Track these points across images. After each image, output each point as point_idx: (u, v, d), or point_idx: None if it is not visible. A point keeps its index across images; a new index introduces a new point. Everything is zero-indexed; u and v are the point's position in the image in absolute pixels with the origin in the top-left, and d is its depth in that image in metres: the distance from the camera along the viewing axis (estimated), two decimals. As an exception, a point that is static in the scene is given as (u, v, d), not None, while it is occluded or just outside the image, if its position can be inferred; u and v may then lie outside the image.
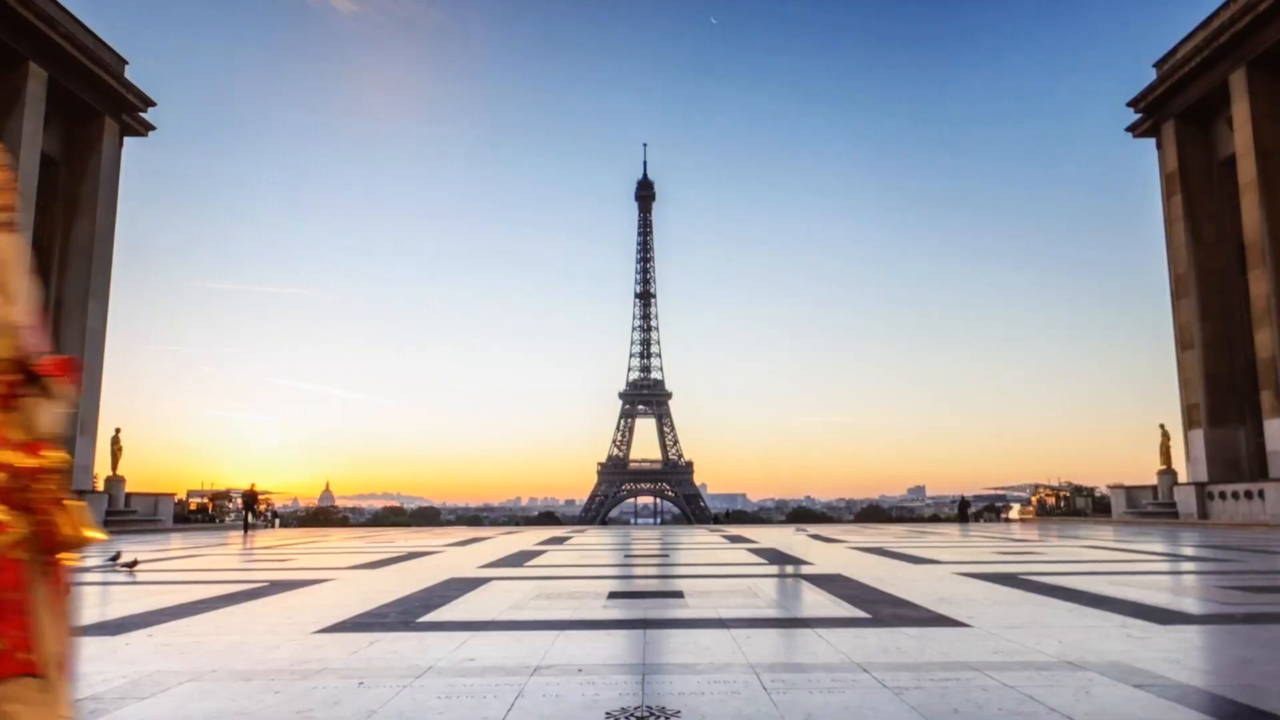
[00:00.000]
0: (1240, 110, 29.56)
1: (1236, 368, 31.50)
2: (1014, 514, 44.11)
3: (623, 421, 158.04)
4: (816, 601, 7.16)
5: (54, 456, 2.02)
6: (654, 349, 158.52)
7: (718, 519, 69.31)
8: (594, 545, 17.10)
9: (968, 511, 42.16)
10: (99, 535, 1.99)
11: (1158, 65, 34.04)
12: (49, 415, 2.02)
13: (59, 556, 1.96)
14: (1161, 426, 34.32)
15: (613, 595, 7.77)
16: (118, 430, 32.78)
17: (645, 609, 6.75)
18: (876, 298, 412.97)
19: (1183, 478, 33.00)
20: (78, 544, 1.98)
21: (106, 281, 32.31)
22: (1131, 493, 35.69)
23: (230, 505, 40.91)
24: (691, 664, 4.38)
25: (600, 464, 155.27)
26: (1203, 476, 31.21)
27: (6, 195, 2.07)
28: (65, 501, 1.97)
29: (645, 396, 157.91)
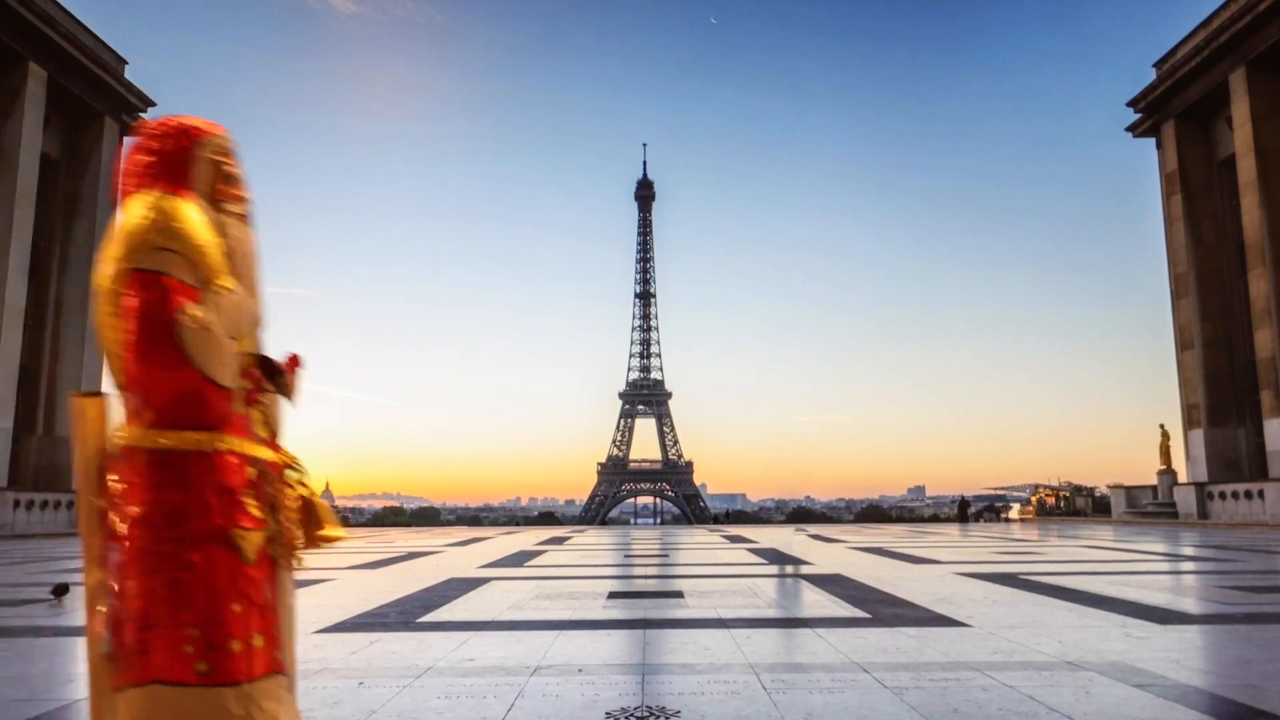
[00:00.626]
0: (1240, 110, 29.55)
1: (1236, 368, 31.50)
2: (1014, 514, 44.13)
3: (623, 421, 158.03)
4: (816, 601, 7.16)
5: (291, 455, 2.04)
6: (654, 349, 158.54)
7: (717, 519, 69.28)
8: (594, 545, 17.06)
9: (968, 511, 42.13)
10: (342, 533, 2.00)
11: (1157, 65, 34.04)
12: (279, 413, 2.05)
13: (305, 548, 1.97)
14: (1161, 426, 34.34)
15: (613, 595, 7.77)
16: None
17: (645, 609, 6.75)
18: (876, 297, 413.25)
19: (1183, 478, 33.00)
20: (324, 541, 1.99)
21: (106, 281, 32.31)
22: (1131, 493, 35.69)
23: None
24: (691, 664, 4.38)
25: (600, 464, 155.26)
26: (1203, 476, 31.21)
27: (242, 189, 2.08)
28: (310, 498, 1.98)
29: (645, 396, 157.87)
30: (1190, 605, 6.80)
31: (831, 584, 8.54)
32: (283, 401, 2.08)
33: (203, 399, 1.84)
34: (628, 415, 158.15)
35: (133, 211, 1.95)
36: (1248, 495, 28.20)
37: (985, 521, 40.13)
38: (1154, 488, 34.57)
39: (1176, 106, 33.14)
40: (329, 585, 9.16)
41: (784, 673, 4.13)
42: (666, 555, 14.21)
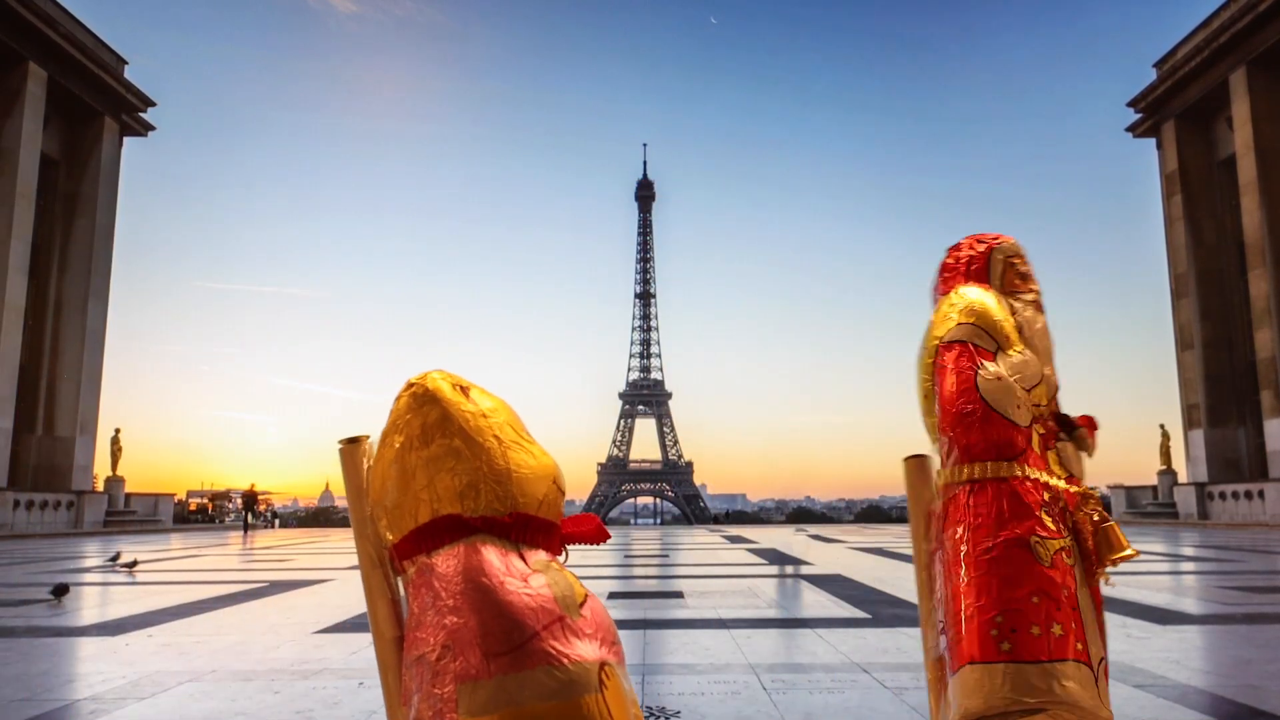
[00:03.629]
0: (1240, 110, 29.55)
1: (1236, 368, 31.51)
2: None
3: (622, 421, 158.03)
4: (816, 601, 7.16)
5: (1088, 489, 2.31)
6: (654, 349, 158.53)
7: (717, 519, 69.28)
8: (594, 545, 17.02)
9: (968, 511, 42.05)
10: (1133, 551, 2.20)
11: (1158, 65, 34.03)
12: (1078, 462, 2.34)
13: (1099, 570, 2.20)
14: (1161, 426, 34.32)
15: (612, 595, 7.77)
16: (117, 430, 32.75)
17: (645, 609, 6.75)
18: (876, 297, 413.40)
19: (1183, 478, 33.00)
20: (1118, 561, 2.20)
21: (106, 281, 32.31)
22: (1131, 493, 35.69)
23: (230, 505, 40.94)
24: (691, 664, 4.38)
25: (600, 464, 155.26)
26: (1203, 476, 31.21)
27: (1033, 284, 2.51)
28: (1104, 524, 2.22)
29: (645, 396, 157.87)
30: (1190, 605, 6.80)
31: (831, 584, 8.54)
32: (1082, 454, 2.37)
33: (1003, 436, 2.18)
34: (628, 415, 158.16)
35: (939, 305, 2.44)
36: (1248, 495, 28.20)
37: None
38: (1154, 488, 34.57)
39: (1176, 106, 33.13)
40: (329, 585, 9.16)
41: (784, 673, 4.13)
42: (666, 555, 14.21)
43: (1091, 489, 2.31)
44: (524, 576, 1.66)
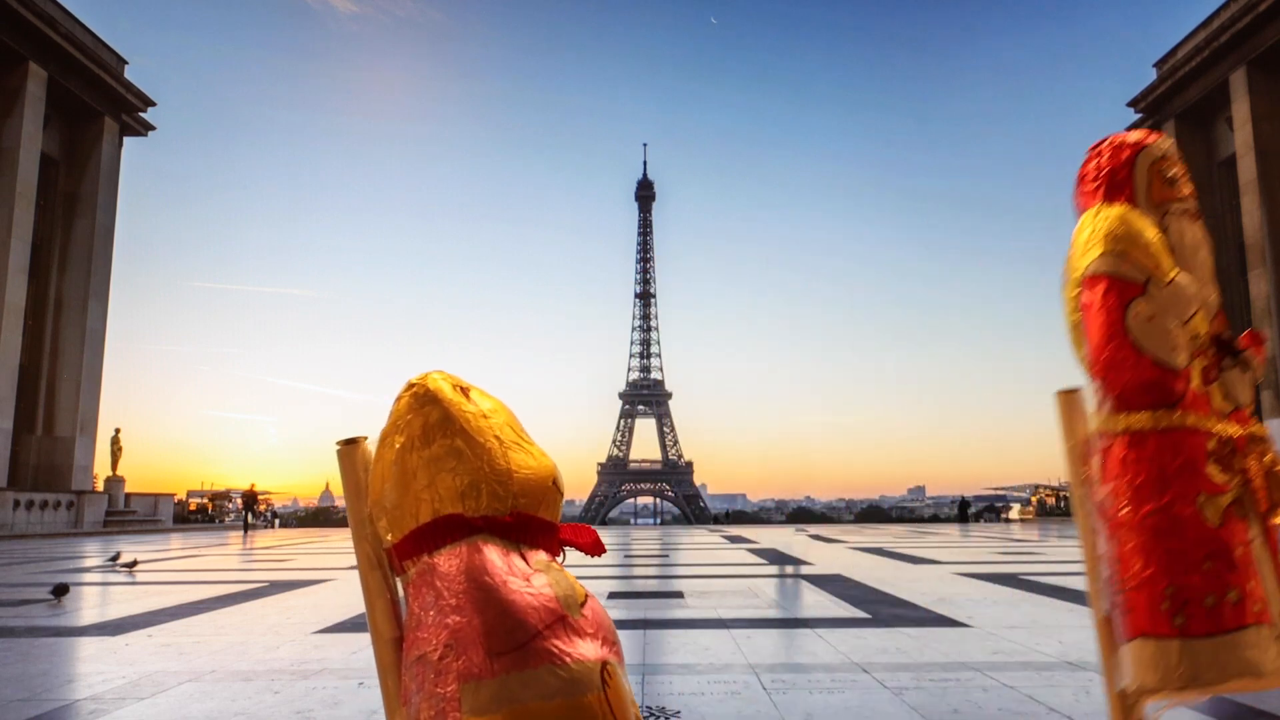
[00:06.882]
0: (1240, 110, 29.56)
1: (1236, 368, 31.50)
2: (1014, 514, 44.11)
3: (622, 422, 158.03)
4: (816, 601, 7.16)
5: (1256, 426, 2.17)
6: (654, 349, 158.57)
7: (718, 519, 69.28)
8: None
9: (968, 512, 42.14)
10: None
11: (1158, 65, 34.04)
12: (1245, 386, 2.17)
13: (1275, 519, 2.08)
14: (1161, 426, 34.29)
15: (612, 595, 7.77)
16: (118, 430, 32.79)
17: (645, 609, 6.75)
18: (876, 297, 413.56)
19: (1183, 478, 32.98)
20: None
21: (106, 281, 32.32)
22: (1131, 493, 35.65)
23: (230, 505, 40.94)
24: (691, 664, 4.38)
25: (600, 464, 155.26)
26: (1203, 476, 31.20)
27: (1183, 188, 2.32)
28: (1275, 467, 2.10)
29: (645, 396, 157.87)
30: (1190, 605, 6.80)
31: (831, 584, 8.54)
32: (1247, 376, 2.21)
33: (1158, 382, 2.03)
34: (628, 415, 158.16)
35: (1080, 226, 2.25)
36: (1248, 495, 28.19)
37: (985, 522, 40.14)
38: (1154, 488, 34.53)
39: (1177, 106, 33.14)
40: (329, 585, 9.16)
41: (784, 673, 4.13)
42: (666, 555, 14.21)
43: (1261, 426, 2.16)
44: (526, 576, 1.66)
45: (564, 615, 1.63)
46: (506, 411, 1.88)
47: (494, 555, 1.67)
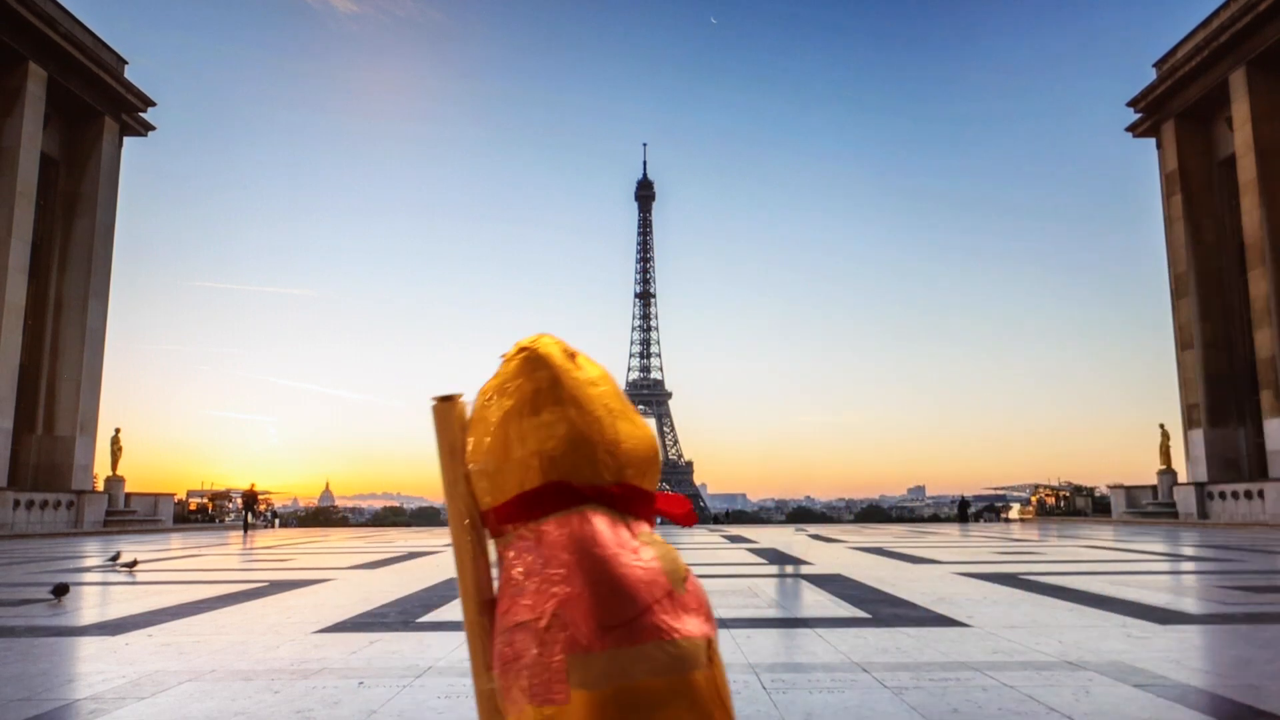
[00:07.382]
0: (1240, 110, 29.56)
1: (1236, 368, 31.51)
2: (1014, 514, 44.12)
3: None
4: (816, 601, 7.16)
5: None
6: (654, 349, 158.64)
7: (718, 519, 69.23)
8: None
9: (968, 511, 42.13)
10: None
11: (1157, 65, 34.03)
12: None
13: None
14: (1161, 426, 34.35)
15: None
16: (118, 430, 32.79)
17: (645, 609, 6.74)
18: (876, 297, 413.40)
19: (1183, 478, 33.00)
20: None
21: (106, 281, 32.31)
22: (1131, 493, 35.69)
23: (230, 505, 40.92)
24: (691, 664, 4.37)
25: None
26: (1202, 476, 31.21)
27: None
28: None
29: (645, 396, 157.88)
30: (1190, 605, 6.80)
31: (831, 584, 8.53)
32: None
33: None
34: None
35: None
36: (1248, 495, 28.20)
37: (985, 521, 40.13)
38: (1154, 488, 34.57)
39: (1176, 106, 33.13)
40: (329, 585, 9.16)
41: (784, 673, 4.13)
42: (666, 555, 14.18)
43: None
44: (635, 550, 1.64)
45: (671, 590, 1.61)
46: (611, 381, 1.84)
47: (603, 526, 1.65)
